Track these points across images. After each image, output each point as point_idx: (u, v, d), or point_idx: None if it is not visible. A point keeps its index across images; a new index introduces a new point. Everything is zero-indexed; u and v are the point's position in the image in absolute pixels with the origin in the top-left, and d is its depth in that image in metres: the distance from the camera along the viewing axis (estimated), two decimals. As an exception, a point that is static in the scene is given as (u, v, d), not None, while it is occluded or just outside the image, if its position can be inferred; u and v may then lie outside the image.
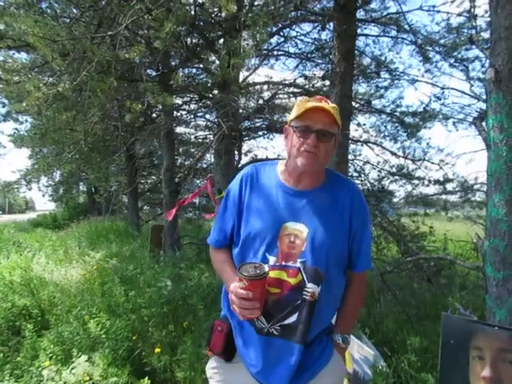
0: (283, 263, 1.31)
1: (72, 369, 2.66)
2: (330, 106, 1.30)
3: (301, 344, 1.30)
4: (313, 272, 1.30)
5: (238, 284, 1.21)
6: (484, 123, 2.60)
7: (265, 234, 1.33)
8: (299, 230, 1.32)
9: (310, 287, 1.29)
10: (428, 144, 6.67)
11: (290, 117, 1.37)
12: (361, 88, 7.41)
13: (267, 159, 7.79)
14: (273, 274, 1.29)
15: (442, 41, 5.56)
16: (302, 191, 1.38)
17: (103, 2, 4.20)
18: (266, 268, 1.22)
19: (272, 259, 1.31)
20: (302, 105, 1.30)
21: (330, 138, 1.31)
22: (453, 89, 5.81)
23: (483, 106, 4.83)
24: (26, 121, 9.44)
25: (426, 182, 6.50)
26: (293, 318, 1.30)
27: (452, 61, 5.58)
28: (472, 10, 4.21)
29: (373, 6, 5.70)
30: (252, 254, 1.35)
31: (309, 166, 1.31)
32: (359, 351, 2.65)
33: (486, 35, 4.22)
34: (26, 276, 4.99)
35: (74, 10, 5.14)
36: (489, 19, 2.45)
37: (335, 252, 1.35)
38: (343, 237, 1.37)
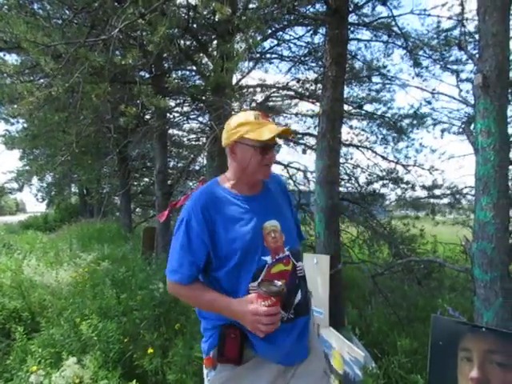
0: (277, 257, 1.46)
1: (62, 371, 2.64)
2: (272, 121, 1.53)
3: (309, 314, 1.56)
4: (296, 252, 1.54)
5: (261, 303, 1.30)
6: (472, 128, 2.64)
7: (254, 242, 1.43)
8: (274, 226, 1.49)
9: (299, 265, 1.54)
10: (421, 144, 6.75)
11: (239, 134, 1.46)
12: (353, 92, 7.47)
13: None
14: (275, 270, 1.45)
15: (432, 42, 5.62)
16: (256, 195, 1.55)
17: (96, 4, 4.20)
18: (279, 282, 1.36)
19: (268, 258, 1.44)
20: (260, 126, 1.45)
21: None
22: (442, 94, 5.88)
23: (472, 110, 4.90)
24: (18, 122, 9.37)
25: (415, 188, 6.58)
26: (298, 297, 1.49)
27: (442, 64, 5.65)
28: (462, 15, 4.28)
29: (365, 10, 5.76)
30: (249, 265, 1.42)
31: (268, 176, 1.55)
32: (350, 353, 2.67)
33: (477, 37, 4.26)
34: (17, 278, 4.95)
35: (67, 12, 5.13)
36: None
37: (295, 231, 1.65)
38: (292, 217, 1.67)
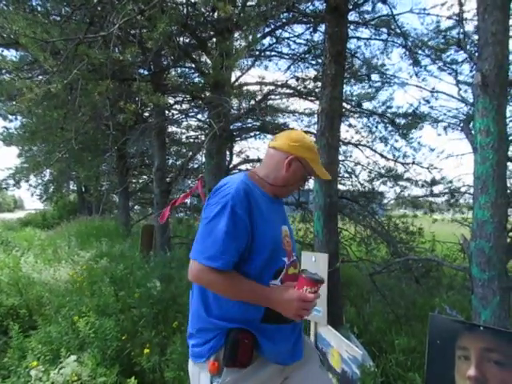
0: (291, 260, 1.53)
1: (60, 369, 2.64)
2: None
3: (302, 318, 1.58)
4: (298, 259, 1.63)
5: (306, 290, 1.38)
6: (471, 126, 2.64)
7: (278, 242, 1.50)
8: (287, 231, 1.57)
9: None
10: (419, 143, 6.74)
11: (304, 155, 1.56)
12: (352, 90, 7.46)
13: (259, 160, 7.82)
14: (290, 271, 1.51)
15: (430, 42, 5.61)
16: (276, 199, 1.63)
17: (95, 1, 4.18)
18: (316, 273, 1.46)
19: (286, 259, 1.51)
20: (318, 160, 1.62)
21: None
22: (441, 92, 5.86)
23: (471, 109, 4.89)
24: (16, 119, 9.33)
25: (415, 184, 6.59)
26: None
27: (441, 64, 5.64)
28: (461, 14, 4.26)
29: (364, 7, 5.74)
30: (274, 262, 1.47)
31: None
32: (348, 351, 2.67)
33: (475, 36, 4.25)
34: (14, 275, 4.94)
35: (66, 8, 5.10)
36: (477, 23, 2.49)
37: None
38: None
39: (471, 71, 5.10)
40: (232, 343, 1.39)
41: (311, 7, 5.55)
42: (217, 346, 1.42)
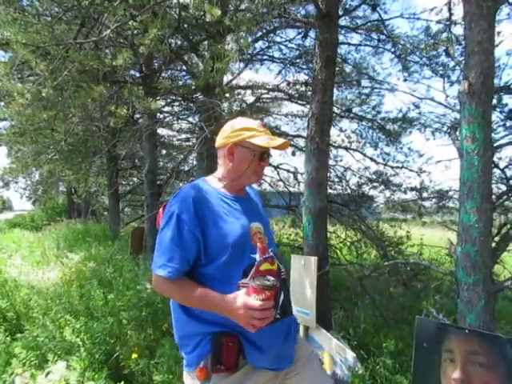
0: (264, 256, 1.49)
1: (47, 374, 2.62)
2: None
3: (292, 314, 1.59)
4: (278, 256, 1.58)
5: (255, 297, 1.28)
6: (458, 133, 2.69)
7: (243, 240, 1.46)
8: (259, 227, 1.55)
9: (282, 268, 1.57)
10: (409, 148, 6.80)
11: (241, 137, 1.53)
12: (342, 95, 7.51)
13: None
14: (264, 267, 1.47)
15: (421, 45, 5.69)
16: (242, 197, 1.62)
17: (86, 2, 4.16)
18: (272, 277, 1.34)
19: (256, 256, 1.47)
20: (264, 133, 1.54)
21: None
22: (429, 99, 5.94)
23: (457, 116, 4.95)
24: (5, 118, 9.21)
25: (404, 189, 6.65)
26: (282, 297, 1.50)
27: (430, 69, 5.72)
28: (450, 21, 4.34)
29: (355, 13, 5.80)
30: (239, 261, 1.44)
31: (260, 180, 1.68)
32: (340, 353, 2.69)
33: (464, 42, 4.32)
34: (1, 278, 4.88)
35: (56, 9, 5.08)
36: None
37: (273, 237, 1.66)
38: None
39: (458, 78, 5.19)
40: (216, 347, 1.38)
41: (302, 12, 5.61)
42: (203, 352, 1.41)
